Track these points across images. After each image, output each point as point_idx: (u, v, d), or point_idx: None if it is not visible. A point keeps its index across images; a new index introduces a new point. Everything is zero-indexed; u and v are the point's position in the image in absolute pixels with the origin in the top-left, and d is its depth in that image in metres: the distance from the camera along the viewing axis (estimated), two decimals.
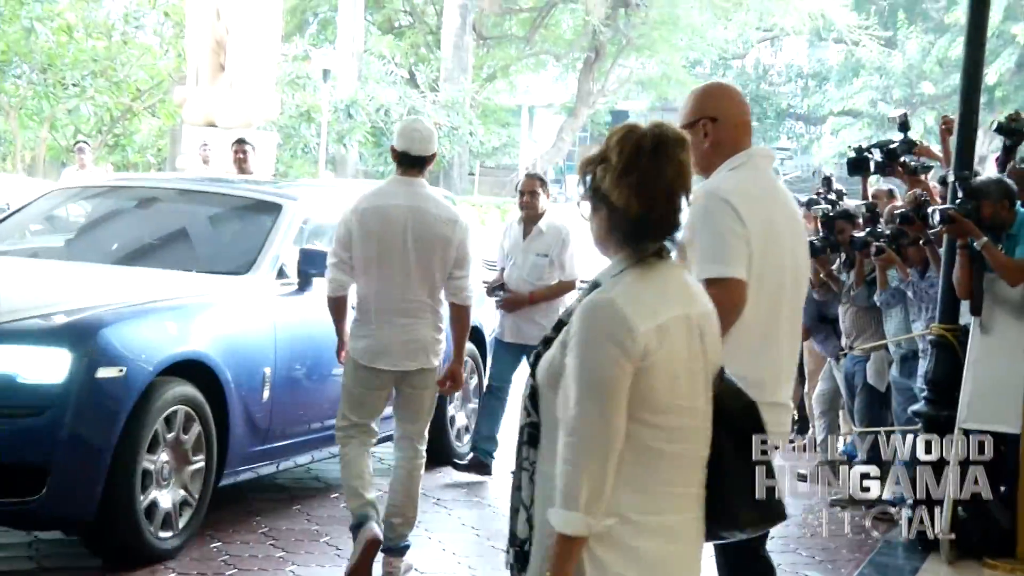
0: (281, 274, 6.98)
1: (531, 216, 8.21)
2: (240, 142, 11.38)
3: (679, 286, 2.95)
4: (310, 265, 6.94)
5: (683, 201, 2.91)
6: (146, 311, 6.05)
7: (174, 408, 5.92)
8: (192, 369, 6.07)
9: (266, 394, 6.58)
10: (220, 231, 7.60)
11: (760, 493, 3.01)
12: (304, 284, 7.00)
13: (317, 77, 28.89)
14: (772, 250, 3.85)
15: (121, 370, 5.58)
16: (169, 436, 5.93)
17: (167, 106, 25.60)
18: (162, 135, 28.39)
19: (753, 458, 3.00)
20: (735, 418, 2.99)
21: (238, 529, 6.60)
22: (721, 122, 3.98)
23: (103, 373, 5.52)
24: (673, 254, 2.96)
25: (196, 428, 6.11)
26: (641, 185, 2.88)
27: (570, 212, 23.50)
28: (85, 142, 20.03)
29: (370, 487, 5.99)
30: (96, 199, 8.14)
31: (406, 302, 5.89)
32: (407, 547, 6.08)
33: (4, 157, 26.00)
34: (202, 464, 6.18)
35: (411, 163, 5.94)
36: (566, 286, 8.18)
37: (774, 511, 3.07)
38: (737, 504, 2.99)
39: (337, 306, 6.08)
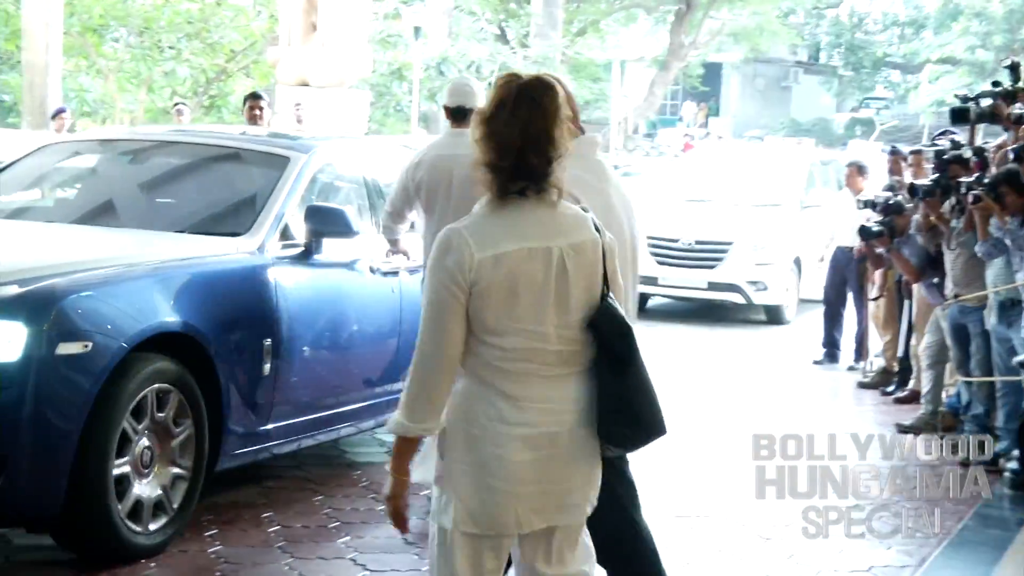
0: (287, 235, 6.17)
1: None
2: (254, 97, 10.63)
3: (540, 221, 3.16)
4: (320, 223, 6.18)
5: (544, 150, 3.13)
6: (119, 278, 5.25)
7: (154, 386, 5.19)
8: (176, 343, 5.33)
9: (267, 368, 5.80)
10: (219, 187, 6.75)
11: (635, 409, 3.21)
12: (313, 245, 6.20)
13: (408, 35, 28.89)
14: (612, 227, 3.84)
15: (86, 345, 4.85)
16: (149, 418, 5.21)
17: (261, 66, 25.74)
18: None
19: (627, 377, 3.19)
20: (606, 339, 3.20)
21: (340, 483, 6.66)
22: None
23: (65, 349, 4.76)
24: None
25: (176, 401, 5.36)
26: (496, 138, 3.14)
27: (657, 165, 22.80)
28: (184, 103, 20.25)
29: None
30: (90, 154, 7.35)
31: None
32: None
33: (104, 120, 26.37)
34: (190, 436, 5.47)
35: (465, 116, 6.16)
36: None
37: (650, 426, 3.25)
38: (612, 421, 3.20)
39: (393, 245, 6.53)
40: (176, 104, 19.96)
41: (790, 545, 5.86)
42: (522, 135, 3.14)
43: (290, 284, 6.00)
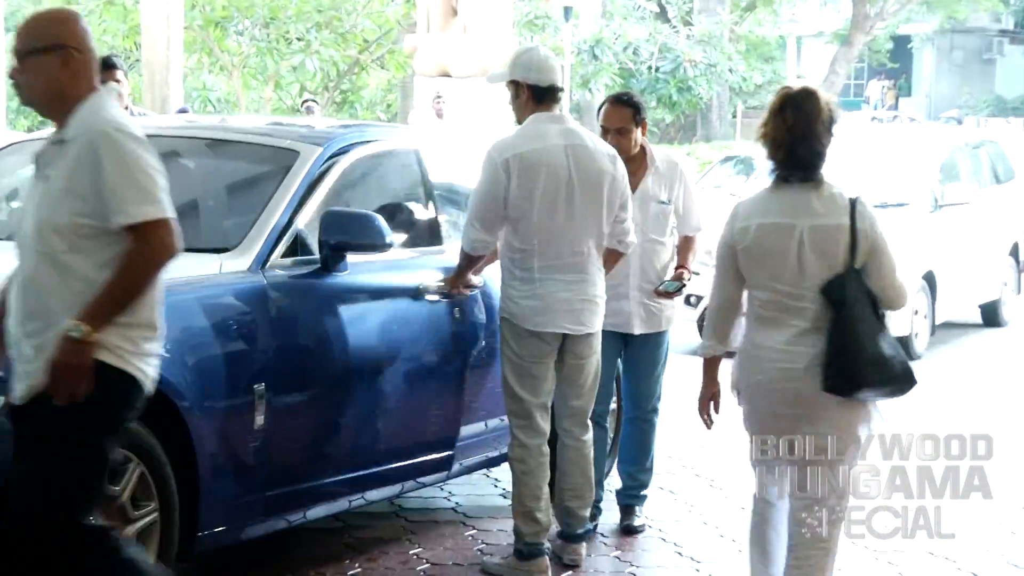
0: (303, 248, 5.42)
1: (623, 159, 6.15)
2: (107, 66, 8.51)
3: (796, 202, 4.52)
4: (339, 233, 5.40)
5: (809, 145, 4.48)
6: None
7: None
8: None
9: (259, 420, 5.04)
10: (206, 190, 5.96)
11: (841, 362, 4.41)
12: (331, 261, 5.45)
13: (558, 16, 28.94)
14: None
15: None
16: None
17: (397, 57, 26.03)
18: (392, 88, 28.93)
19: (839, 334, 4.44)
20: (831, 303, 4.47)
21: (493, 514, 6.67)
22: (82, 52, 4.12)
23: None
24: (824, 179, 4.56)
25: (137, 475, 4.61)
26: (770, 136, 4.53)
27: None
28: (313, 100, 20.56)
29: (548, 508, 5.78)
30: None
31: (574, 255, 5.69)
32: (590, 531, 6.10)
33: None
34: (154, 521, 4.69)
35: (554, 97, 5.74)
36: (692, 242, 6.50)
37: (853, 378, 4.43)
38: (826, 368, 4.44)
39: (473, 264, 5.81)
40: (305, 101, 20.32)
41: (931, 543, 5.78)
42: (788, 132, 4.48)
43: (295, 311, 5.29)
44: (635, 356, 6.43)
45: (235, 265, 5.18)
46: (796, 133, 4.47)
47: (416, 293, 5.86)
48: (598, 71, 30.03)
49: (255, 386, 5.03)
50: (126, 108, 8.34)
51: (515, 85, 5.69)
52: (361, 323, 5.65)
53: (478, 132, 15.71)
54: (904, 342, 12.01)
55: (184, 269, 4.94)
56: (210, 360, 4.92)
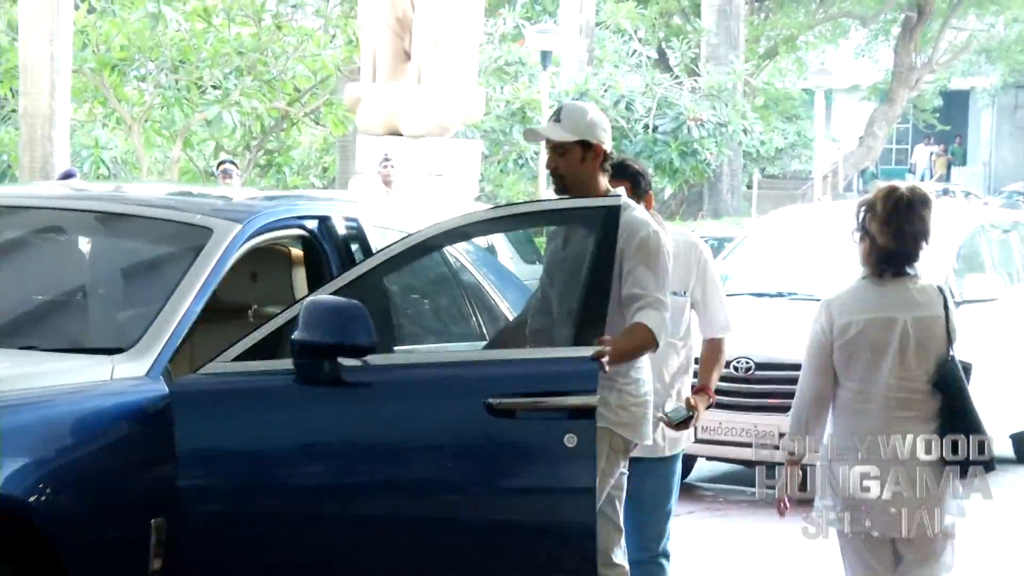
0: (281, 349, 5.39)
1: None
2: None
3: (894, 296, 5.66)
4: (311, 333, 5.22)
5: (918, 245, 5.64)
6: None
7: None
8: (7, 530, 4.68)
9: (155, 563, 5.03)
10: (97, 277, 6.06)
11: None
12: (306, 369, 5.31)
13: (534, 62, 29.18)
14: None
15: None
16: None
17: (335, 110, 26.02)
18: (329, 149, 29.03)
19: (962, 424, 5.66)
20: (961, 394, 5.68)
21: None
22: None
23: None
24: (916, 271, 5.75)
25: None
26: (897, 231, 5.60)
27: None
28: (231, 162, 20.51)
29: None
30: None
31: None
32: None
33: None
34: None
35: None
36: (718, 347, 6.65)
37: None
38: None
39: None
40: (221, 163, 20.33)
41: None
42: (915, 236, 5.61)
43: (216, 428, 5.28)
44: (635, 486, 6.24)
45: (130, 370, 5.18)
46: (919, 235, 5.63)
47: (489, 408, 5.40)
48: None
49: (151, 521, 5.04)
50: None
51: (585, 147, 5.82)
52: (348, 451, 5.49)
53: (439, 200, 15.73)
54: None
55: (66, 374, 5.09)
56: (93, 487, 4.94)
